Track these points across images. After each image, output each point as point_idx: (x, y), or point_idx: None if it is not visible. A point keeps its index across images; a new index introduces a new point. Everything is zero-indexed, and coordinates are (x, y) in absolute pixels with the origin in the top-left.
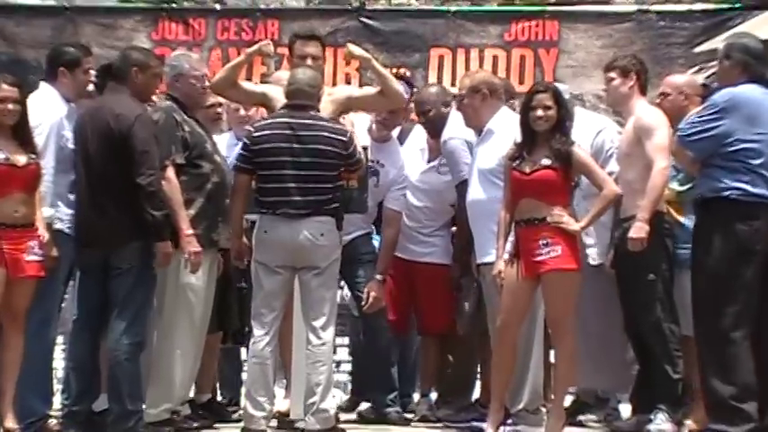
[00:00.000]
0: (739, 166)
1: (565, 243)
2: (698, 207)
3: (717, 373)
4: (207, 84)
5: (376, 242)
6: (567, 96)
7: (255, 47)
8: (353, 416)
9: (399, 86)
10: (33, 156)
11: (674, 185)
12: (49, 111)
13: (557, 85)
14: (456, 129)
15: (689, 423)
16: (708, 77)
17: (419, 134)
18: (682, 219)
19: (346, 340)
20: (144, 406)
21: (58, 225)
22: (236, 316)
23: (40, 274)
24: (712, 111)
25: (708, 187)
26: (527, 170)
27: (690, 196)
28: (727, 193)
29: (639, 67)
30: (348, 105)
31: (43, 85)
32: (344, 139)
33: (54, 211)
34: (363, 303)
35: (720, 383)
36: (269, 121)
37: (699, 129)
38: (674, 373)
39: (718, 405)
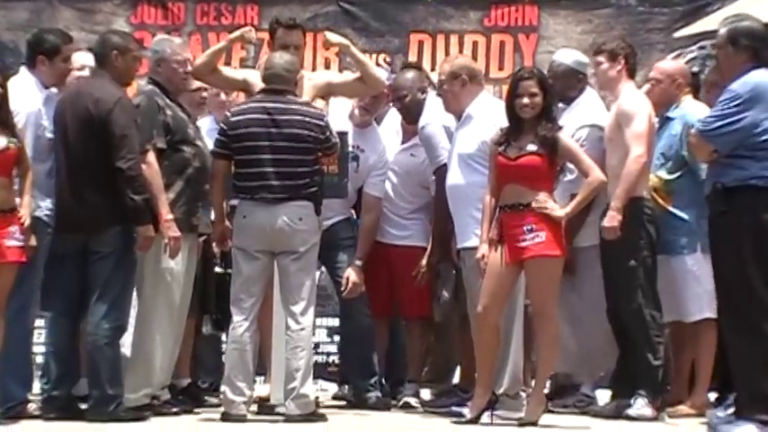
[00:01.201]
0: (766, 155)
1: (549, 229)
2: (718, 195)
3: (752, 364)
4: (189, 68)
5: None
6: (586, 70)
7: (238, 33)
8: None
9: (378, 72)
10: (13, 139)
11: (662, 173)
12: (26, 99)
13: (578, 55)
14: (434, 114)
15: (681, 408)
16: (687, 62)
17: (394, 117)
18: (669, 207)
19: (325, 322)
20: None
21: (36, 212)
22: (213, 301)
23: (21, 260)
24: (736, 102)
25: (732, 176)
26: (512, 156)
27: (678, 185)
28: (754, 181)
29: (628, 50)
30: (328, 91)
31: (22, 72)
32: (321, 123)
33: (42, 203)
34: (342, 289)
35: (757, 374)
36: (246, 105)
37: (723, 122)
38: (655, 359)
39: (757, 395)
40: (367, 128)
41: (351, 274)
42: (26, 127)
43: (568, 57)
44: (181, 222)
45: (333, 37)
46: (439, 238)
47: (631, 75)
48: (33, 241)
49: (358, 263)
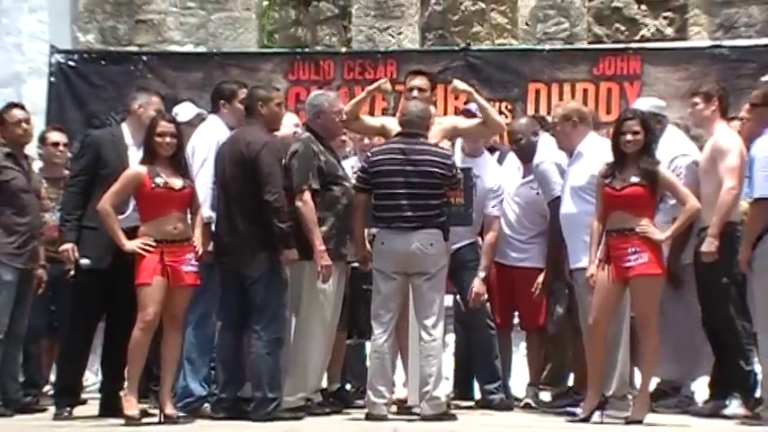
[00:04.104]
0: None
1: (651, 251)
2: None
3: None
4: (344, 118)
5: None
6: (663, 112)
7: (375, 85)
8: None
9: (499, 118)
10: (188, 180)
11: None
12: (212, 135)
13: (654, 101)
14: (547, 153)
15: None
16: None
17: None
18: None
19: None
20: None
21: (214, 228)
22: (363, 319)
23: (195, 283)
24: None
25: None
26: (618, 187)
27: None
28: None
29: (722, 92)
30: (454, 133)
31: (211, 117)
32: (449, 162)
33: (212, 214)
34: (468, 299)
35: None
36: (384, 146)
37: None
38: (747, 365)
39: None
40: (479, 156)
41: (475, 286)
42: (209, 154)
43: (645, 104)
44: (332, 252)
45: (459, 84)
46: (553, 262)
47: (724, 114)
48: (211, 246)
49: (481, 274)
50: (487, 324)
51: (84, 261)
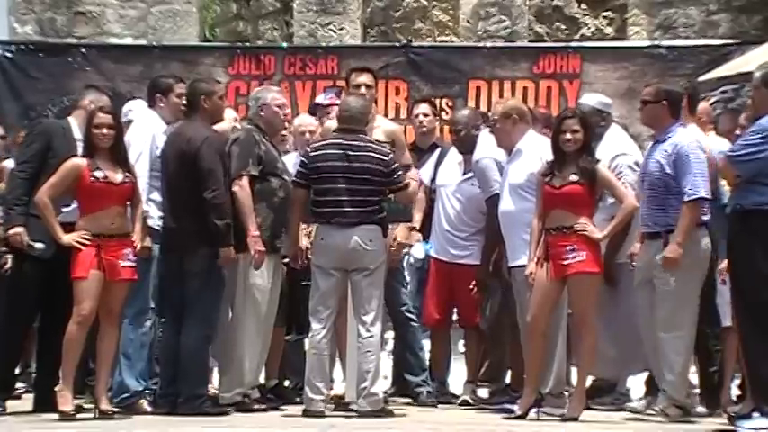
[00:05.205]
0: None
1: (589, 249)
2: (737, 218)
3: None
4: (287, 111)
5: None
6: (609, 109)
7: None
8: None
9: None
10: (128, 174)
11: None
12: (148, 128)
13: (600, 97)
14: (487, 149)
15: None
16: (711, 104)
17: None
18: None
19: None
20: (210, 389)
21: (150, 222)
22: (302, 315)
23: (133, 278)
24: (761, 135)
25: (750, 201)
26: (557, 185)
27: None
28: None
29: (692, 91)
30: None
31: (147, 111)
32: (387, 158)
33: (147, 208)
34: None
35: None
36: (324, 142)
37: (747, 151)
38: (710, 366)
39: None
40: None
41: (398, 235)
42: (144, 147)
43: (591, 100)
44: (266, 244)
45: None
46: (487, 259)
47: (692, 112)
48: (148, 241)
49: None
50: (407, 318)
51: (39, 245)
